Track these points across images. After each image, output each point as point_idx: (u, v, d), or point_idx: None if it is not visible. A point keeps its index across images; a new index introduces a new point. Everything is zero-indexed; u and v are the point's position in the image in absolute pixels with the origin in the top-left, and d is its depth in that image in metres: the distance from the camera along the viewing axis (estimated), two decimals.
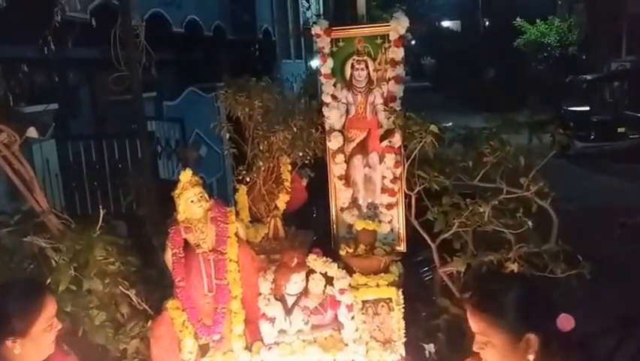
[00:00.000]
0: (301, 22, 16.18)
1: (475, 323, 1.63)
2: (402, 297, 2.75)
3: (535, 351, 1.54)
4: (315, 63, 6.82)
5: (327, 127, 3.10)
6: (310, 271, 2.71)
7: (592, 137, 11.94)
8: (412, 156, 2.77)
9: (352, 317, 2.71)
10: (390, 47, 2.99)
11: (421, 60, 34.55)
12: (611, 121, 12.06)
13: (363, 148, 3.12)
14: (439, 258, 2.86)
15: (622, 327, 3.34)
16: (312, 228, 3.38)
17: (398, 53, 2.98)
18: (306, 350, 2.65)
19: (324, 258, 2.72)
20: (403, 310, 2.75)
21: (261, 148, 3.01)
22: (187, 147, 6.54)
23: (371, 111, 3.07)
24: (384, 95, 3.03)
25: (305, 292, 2.72)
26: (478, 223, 2.69)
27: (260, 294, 2.73)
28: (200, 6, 10.06)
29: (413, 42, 24.58)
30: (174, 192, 2.61)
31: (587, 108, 12.62)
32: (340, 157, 3.10)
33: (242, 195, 3.09)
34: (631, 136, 11.64)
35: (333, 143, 3.08)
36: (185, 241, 2.66)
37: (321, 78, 3.09)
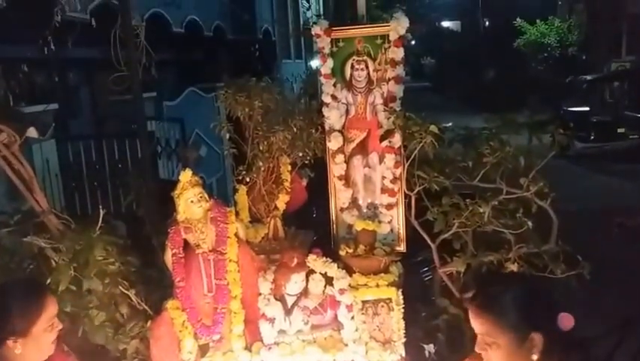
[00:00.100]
0: (301, 23, 16.19)
1: (479, 324, 1.63)
2: (402, 297, 2.75)
3: (540, 351, 1.54)
4: (315, 63, 6.82)
5: (327, 127, 3.10)
6: (310, 272, 2.71)
7: (592, 137, 11.95)
8: (412, 157, 2.77)
9: (352, 317, 2.71)
10: (390, 47, 2.99)
11: (421, 60, 34.57)
12: (610, 121, 12.07)
13: (363, 148, 3.12)
14: (439, 258, 2.86)
15: (621, 327, 3.34)
16: (312, 228, 3.38)
17: (398, 53, 2.98)
18: (306, 350, 2.65)
19: (324, 258, 2.72)
20: (402, 310, 2.74)
21: (261, 148, 3.01)
22: (187, 147, 6.54)
23: (371, 111, 3.07)
24: (384, 95, 3.03)
25: (305, 293, 2.72)
26: (477, 224, 2.69)
27: (260, 294, 2.73)
28: (200, 6, 10.07)
29: (413, 42, 24.60)
30: (174, 193, 2.61)
31: (587, 109, 12.63)
32: (340, 157, 3.10)
33: (242, 196, 3.09)
34: (631, 136, 11.66)
35: (333, 143, 3.08)
36: (185, 241, 2.66)
37: (321, 78, 3.09)
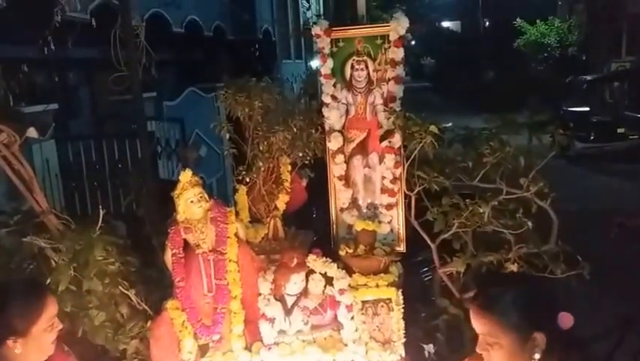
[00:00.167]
0: (301, 23, 16.18)
1: (480, 325, 1.62)
2: (401, 297, 2.75)
3: (542, 350, 1.55)
4: (315, 63, 6.81)
5: (327, 127, 3.10)
6: (310, 272, 2.71)
7: (592, 137, 11.94)
8: (412, 157, 2.77)
9: (352, 318, 2.71)
10: (390, 47, 3.00)
11: (421, 60, 34.54)
12: (610, 122, 12.06)
13: (363, 148, 3.12)
14: (439, 258, 2.86)
15: (621, 327, 3.34)
16: (311, 228, 3.38)
17: (398, 54, 2.98)
18: (306, 350, 2.65)
19: (324, 258, 2.72)
20: (402, 310, 2.75)
21: (261, 148, 3.01)
22: (187, 147, 6.54)
23: (371, 112, 3.08)
24: (384, 95, 3.03)
25: (305, 293, 2.72)
26: (477, 224, 2.69)
27: (259, 294, 2.73)
28: (200, 6, 10.07)
29: (413, 42, 24.59)
30: (174, 193, 2.61)
31: (587, 109, 12.62)
32: (340, 157, 3.10)
33: (242, 196, 3.09)
34: (631, 137, 11.65)
35: (333, 143, 3.08)
36: (185, 241, 2.66)
37: (321, 78, 3.09)
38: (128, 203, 3.83)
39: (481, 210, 2.64)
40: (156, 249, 2.96)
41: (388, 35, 2.99)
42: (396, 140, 2.95)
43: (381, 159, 3.07)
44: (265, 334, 2.69)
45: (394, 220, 3.08)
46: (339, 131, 3.10)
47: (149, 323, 2.64)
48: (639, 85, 12.61)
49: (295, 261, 2.67)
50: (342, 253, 2.88)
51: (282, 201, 3.11)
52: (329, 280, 2.72)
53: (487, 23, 26.23)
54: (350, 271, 2.79)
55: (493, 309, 1.59)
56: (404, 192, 2.92)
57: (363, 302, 2.74)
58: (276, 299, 2.72)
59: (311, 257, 2.71)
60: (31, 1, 5.15)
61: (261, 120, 3.00)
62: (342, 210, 3.15)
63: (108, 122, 7.85)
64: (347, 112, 3.11)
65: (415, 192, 2.80)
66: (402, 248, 3.09)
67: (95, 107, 8.17)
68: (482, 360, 1.67)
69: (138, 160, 4.82)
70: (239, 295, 2.66)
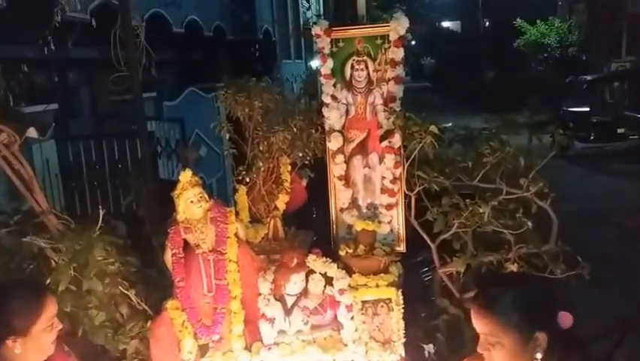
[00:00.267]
0: (301, 23, 16.17)
1: (481, 324, 1.62)
2: (401, 297, 2.75)
3: (544, 349, 1.55)
4: (315, 63, 6.81)
5: (326, 127, 3.10)
6: (310, 272, 2.71)
7: (592, 137, 11.94)
8: (412, 157, 2.78)
9: (352, 318, 2.71)
10: (390, 47, 3.00)
11: (421, 60, 34.54)
12: (610, 122, 12.06)
13: (362, 149, 3.12)
14: (439, 258, 2.86)
15: (621, 326, 3.35)
16: (311, 228, 3.38)
17: (398, 54, 2.98)
18: (306, 350, 2.65)
19: (324, 258, 2.72)
20: (402, 310, 2.75)
21: (261, 148, 3.01)
22: (187, 148, 6.54)
23: (371, 112, 3.08)
24: (384, 95, 3.03)
25: (304, 293, 2.72)
26: (477, 224, 2.69)
27: (259, 294, 2.73)
28: (200, 6, 10.06)
29: (413, 42, 24.58)
30: (174, 193, 2.61)
31: (587, 109, 12.62)
32: (340, 158, 3.10)
33: (242, 196, 3.09)
34: (631, 137, 11.65)
35: (333, 143, 3.08)
36: (185, 241, 2.66)
37: (321, 79, 3.10)
38: (128, 203, 3.83)
39: (481, 210, 2.64)
40: (156, 249, 2.96)
41: (388, 35, 2.99)
42: (396, 140, 2.95)
43: (381, 159, 3.07)
44: (265, 334, 2.69)
45: (394, 220, 3.09)
46: (339, 131, 3.10)
47: (149, 323, 2.64)
48: (639, 85, 12.61)
49: (295, 261, 2.68)
50: (342, 253, 2.88)
51: (282, 201, 3.11)
52: (329, 280, 2.72)
53: (487, 23, 26.23)
54: (350, 271, 2.79)
55: (495, 309, 1.58)
56: (404, 192, 2.92)
57: (363, 302, 2.74)
58: (276, 299, 2.72)
59: (311, 257, 2.71)
60: (31, 1, 5.15)
61: (261, 120, 3.00)
62: (342, 210, 3.15)
63: (108, 122, 7.85)
64: (347, 112, 3.11)
65: (415, 192, 2.81)
66: (402, 248, 3.09)
67: (95, 107, 8.16)
68: (483, 360, 1.67)
69: (138, 160, 4.81)
70: (239, 295, 2.66)
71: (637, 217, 6.25)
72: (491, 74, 22.37)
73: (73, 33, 5.78)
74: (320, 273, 2.70)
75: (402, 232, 3.09)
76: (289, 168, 3.12)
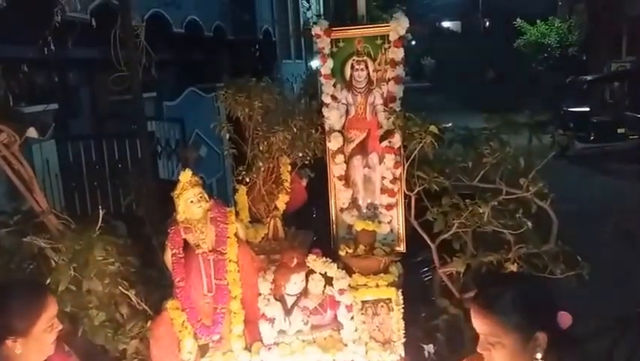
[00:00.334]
0: (301, 23, 16.18)
1: (481, 324, 1.62)
2: (401, 297, 2.75)
3: (544, 349, 1.55)
4: (315, 63, 6.80)
5: (326, 127, 3.10)
6: (310, 272, 2.71)
7: (592, 138, 11.95)
8: (412, 157, 2.78)
9: (352, 318, 2.71)
10: (390, 47, 3.00)
11: (421, 60, 34.56)
12: (611, 122, 12.07)
13: (362, 149, 3.12)
14: (439, 258, 2.86)
15: (619, 326, 3.35)
16: (311, 228, 3.38)
17: (398, 54, 2.98)
18: (306, 350, 2.65)
19: (324, 258, 2.72)
20: (402, 310, 2.75)
21: (261, 148, 3.01)
22: (187, 148, 6.54)
23: (371, 112, 3.08)
24: (384, 95, 3.03)
25: (304, 293, 2.72)
26: (477, 224, 2.69)
27: (259, 294, 2.73)
28: (200, 6, 10.06)
29: (413, 42, 24.58)
30: (174, 193, 2.61)
31: (587, 109, 12.64)
32: (340, 158, 3.10)
33: (242, 196, 3.09)
34: (631, 137, 11.66)
35: (333, 143, 3.08)
36: (185, 241, 2.66)
37: (321, 79, 3.10)
38: (128, 203, 3.83)
39: (481, 210, 2.64)
40: (156, 249, 2.96)
41: (388, 35, 2.99)
42: (396, 140, 2.95)
43: (381, 159, 3.07)
44: (265, 334, 2.69)
45: (394, 220, 3.08)
46: (339, 131, 3.10)
47: (149, 323, 2.64)
48: (639, 85, 12.61)
49: (295, 261, 2.68)
50: (342, 253, 2.88)
51: (282, 201, 3.11)
52: (329, 280, 2.72)
53: (487, 23, 26.22)
54: (350, 271, 2.79)
55: (495, 309, 1.58)
56: (404, 192, 2.92)
57: (363, 302, 2.74)
58: (276, 299, 2.72)
59: (311, 257, 2.71)
60: (31, 1, 5.15)
61: (261, 120, 3.00)
62: (342, 210, 3.15)
63: (108, 122, 7.85)
64: (347, 112, 3.11)
65: (415, 192, 2.81)
66: (402, 248, 3.09)
67: (95, 107, 8.16)
68: (483, 360, 1.67)
69: (138, 160, 4.81)
70: (239, 295, 2.66)
71: (633, 218, 6.26)
72: (491, 74, 22.37)
73: (73, 33, 5.79)
74: (320, 273, 2.70)
75: (402, 232, 3.09)
76: (289, 168, 3.12)
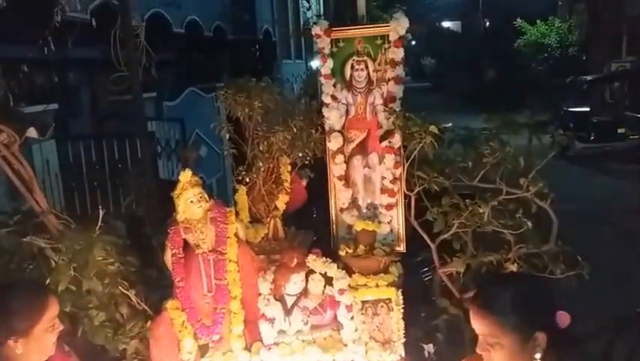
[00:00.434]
0: (301, 23, 16.18)
1: (480, 325, 1.61)
2: (401, 297, 2.75)
3: (543, 349, 1.55)
4: (315, 63, 6.80)
5: (326, 128, 3.10)
6: (310, 272, 2.71)
7: (592, 138, 11.95)
8: (412, 157, 2.78)
9: (352, 318, 2.71)
10: (390, 47, 3.00)
11: (421, 60, 34.56)
12: (611, 122, 12.07)
13: (362, 149, 3.12)
14: (439, 258, 2.86)
15: (618, 325, 3.35)
16: (311, 228, 3.38)
17: (398, 54, 2.98)
18: (306, 350, 2.65)
19: (324, 258, 2.72)
20: (402, 310, 2.75)
21: (261, 148, 3.01)
22: (187, 148, 6.54)
23: (371, 112, 3.08)
24: (384, 95, 3.03)
25: (304, 293, 2.72)
26: (477, 224, 2.69)
27: (259, 294, 2.73)
28: (200, 6, 10.06)
29: (413, 42, 24.57)
30: (174, 193, 2.61)
31: (587, 109, 12.63)
32: (340, 158, 3.10)
33: (242, 196, 3.09)
34: (631, 137, 11.66)
35: (333, 143, 3.08)
36: (185, 241, 2.66)
37: (321, 79, 3.10)
38: (128, 203, 3.83)
39: (481, 211, 2.64)
40: (156, 249, 2.96)
41: (388, 35, 2.99)
42: (396, 140, 2.95)
43: (381, 159, 3.07)
44: (265, 334, 2.69)
45: (394, 220, 3.08)
46: (339, 131, 3.10)
47: (149, 323, 2.64)
48: (639, 85, 12.61)
49: (295, 261, 2.68)
50: (342, 253, 2.88)
51: (282, 201, 3.11)
52: (329, 280, 2.72)
53: (488, 23, 26.21)
54: (350, 271, 2.79)
55: (493, 309, 1.58)
56: (404, 192, 2.92)
57: (363, 302, 2.74)
58: (276, 299, 2.72)
59: (311, 257, 2.71)
60: (31, 1, 5.15)
61: (261, 120, 3.00)
62: (342, 210, 3.15)
63: (108, 122, 7.85)
64: (347, 112, 3.11)
65: (415, 192, 2.80)
66: (402, 248, 3.09)
67: (95, 107, 8.16)
68: (482, 360, 1.67)
69: (138, 160, 4.82)
70: (239, 295, 2.66)
71: (630, 218, 6.26)
72: (491, 74, 22.38)
73: (73, 33, 5.79)
74: (320, 273, 2.70)
75: (402, 232, 3.08)
76: (289, 168, 3.12)
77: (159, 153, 6.57)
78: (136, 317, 2.67)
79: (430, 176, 2.72)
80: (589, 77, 14.14)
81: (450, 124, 2.97)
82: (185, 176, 2.61)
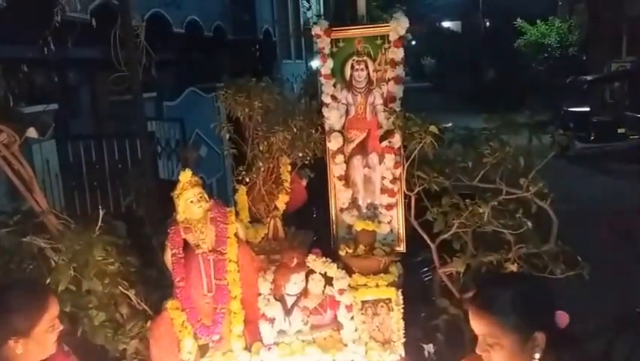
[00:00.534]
0: (302, 23, 16.19)
1: (480, 325, 1.61)
2: (401, 297, 2.75)
3: (543, 349, 1.55)
4: (315, 63, 6.81)
5: (326, 128, 3.10)
6: (310, 272, 2.71)
7: (592, 138, 11.96)
8: (412, 157, 2.78)
9: (352, 318, 2.71)
10: (390, 47, 2.99)
11: (421, 60, 34.57)
12: (611, 122, 12.08)
13: (362, 149, 3.12)
14: (439, 258, 2.86)
15: (616, 325, 3.35)
16: (311, 228, 3.38)
17: (398, 54, 2.98)
18: (306, 350, 2.65)
19: (324, 258, 2.72)
20: (402, 310, 2.75)
21: (261, 148, 3.01)
22: (187, 148, 6.54)
23: (371, 112, 3.07)
24: (384, 95, 3.03)
25: (304, 293, 2.72)
26: (477, 224, 2.69)
27: (259, 294, 2.73)
28: (200, 6, 10.07)
29: (413, 42, 24.58)
30: (174, 193, 2.61)
31: (587, 109, 12.64)
32: (340, 158, 3.10)
33: (242, 196, 3.09)
34: (631, 137, 11.66)
35: (333, 143, 3.08)
36: (185, 242, 2.66)
37: (321, 79, 3.09)
38: (128, 203, 3.83)
39: (481, 211, 2.64)
40: (156, 249, 2.96)
41: (388, 35, 2.99)
42: (396, 140, 2.95)
43: (381, 159, 3.07)
44: (265, 334, 2.69)
45: (394, 220, 3.08)
46: (339, 131, 3.10)
47: (149, 323, 2.64)
48: (639, 85, 12.61)
49: (295, 261, 2.67)
50: (342, 253, 2.88)
51: (282, 201, 3.11)
52: (329, 280, 2.72)
53: (488, 24, 26.21)
54: (350, 271, 2.79)
55: (493, 309, 1.58)
56: (404, 192, 2.92)
57: (363, 302, 2.74)
58: (276, 299, 2.72)
59: (311, 257, 2.71)
60: (31, 1, 5.15)
61: (261, 120, 3.00)
62: (342, 210, 3.15)
63: (108, 122, 7.85)
64: (347, 112, 3.11)
65: (415, 192, 2.80)
66: (402, 248, 3.09)
67: (95, 107, 8.16)
68: (481, 360, 1.67)
69: (138, 160, 4.82)
70: (239, 295, 2.66)
71: (626, 218, 6.26)
72: (491, 74, 22.39)
73: (73, 33, 5.79)
74: (320, 273, 2.70)
75: (402, 232, 3.08)
76: (289, 168, 3.12)
77: (159, 153, 6.57)
78: (136, 317, 2.67)
79: (430, 176, 2.72)
80: (589, 77, 14.15)
81: (450, 124, 2.97)
82: (185, 176, 2.61)
